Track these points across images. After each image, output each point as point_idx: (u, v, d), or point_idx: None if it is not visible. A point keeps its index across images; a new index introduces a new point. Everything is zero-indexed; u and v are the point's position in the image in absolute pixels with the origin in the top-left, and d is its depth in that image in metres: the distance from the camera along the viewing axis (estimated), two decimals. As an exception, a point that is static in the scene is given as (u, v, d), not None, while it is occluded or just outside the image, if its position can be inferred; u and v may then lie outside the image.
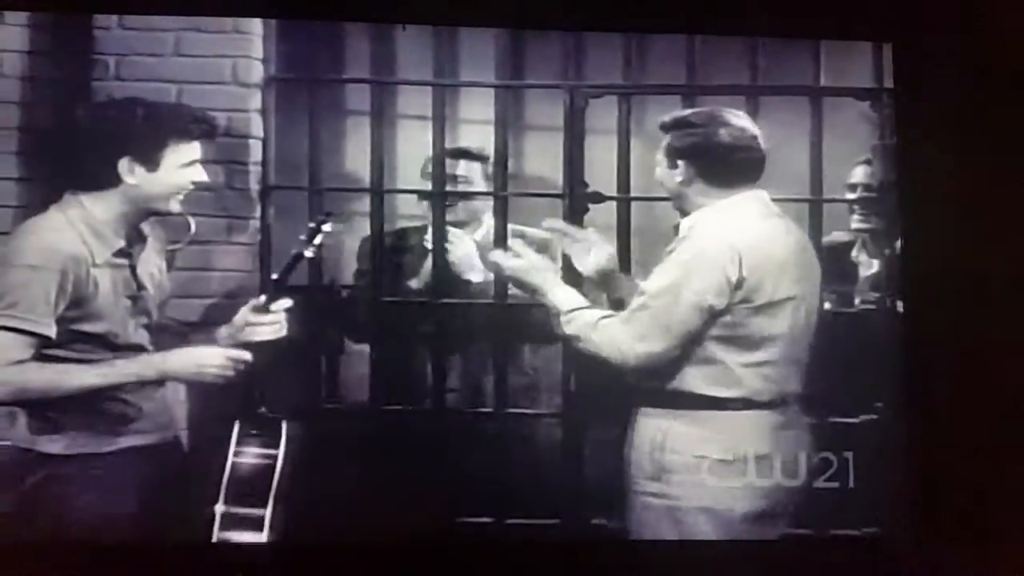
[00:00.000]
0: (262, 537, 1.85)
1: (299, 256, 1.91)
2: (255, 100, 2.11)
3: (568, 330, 1.92)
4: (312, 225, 1.93)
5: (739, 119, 1.93)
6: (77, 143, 1.91)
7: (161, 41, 2.09)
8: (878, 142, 2.12)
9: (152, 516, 1.88)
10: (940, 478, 2.01)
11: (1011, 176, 2.08)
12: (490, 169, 2.13)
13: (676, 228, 1.95)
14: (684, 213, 1.95)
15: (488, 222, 2.15)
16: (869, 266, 2.15)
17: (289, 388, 2.04)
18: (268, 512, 1.85)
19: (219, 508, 1.85)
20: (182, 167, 1.88)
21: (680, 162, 1.92)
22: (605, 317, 1.91)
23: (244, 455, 1.87)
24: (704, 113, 1.95)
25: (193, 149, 1.89)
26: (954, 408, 2.02)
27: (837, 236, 2.16)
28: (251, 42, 2.11)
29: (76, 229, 1.82)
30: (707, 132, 1.91)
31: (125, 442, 1.87)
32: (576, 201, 2.10)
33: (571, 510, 2.06)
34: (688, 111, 1.98)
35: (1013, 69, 2.09)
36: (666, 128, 1.95)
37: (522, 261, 1.97)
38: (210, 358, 1.87)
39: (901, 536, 2.01)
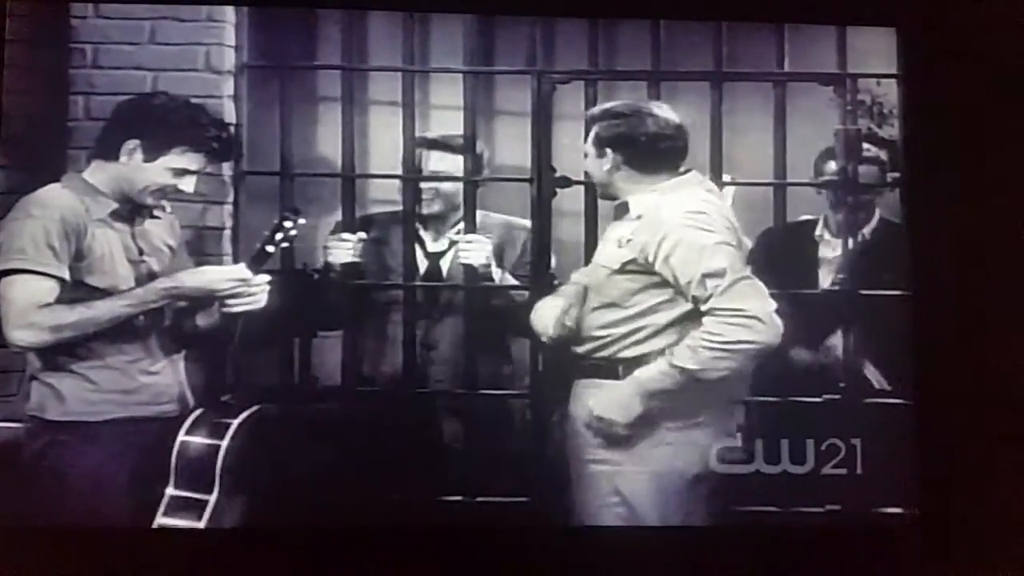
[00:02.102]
0: (200, 524, 1.90)
1: (263, 252, 1.99)
2: (228, 87, 2.15)
3: (681, 363, 1.92)
4: (275, 222, 2.01)
5: (662, 110, 2.01)
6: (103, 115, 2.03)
7: (137, 29, 2.12)
8: (841, 127, 2.15)
9: (129, 492, 1.94)
10: (945, 464, 2.03)
11: (1017, 163, 2.11)
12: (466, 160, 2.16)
13: (623, 207, 2.01)
14: (610, 199, 2.03)
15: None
16: (834, 247, 2.18)
17: (261, 371, 2.08)
18: (212, 499, 1.91)
19: (169, 490, 1.91)
20: (173, 171, 1.96)
21: (608, 150, 2.00)
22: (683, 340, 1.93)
23: (192, 441, 1.94)
24: (629, 104, 2.02)
25: (196, 160, 1.98)
26: (958, 395, 2.05)
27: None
28: (224, 30, 2.14)
29: (72, 191, 1.93)
30: (632, 122, 1.99)
31: (123, 413, 1.94)
32: (544, 186, 2.13)
33: (539, 488, 2.08)
34: (614, 103, 2.04)
35: (1019, 55, 2.11)
36: (594, 119, 2.03)
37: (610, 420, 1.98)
38: (217, 273, 1.99)
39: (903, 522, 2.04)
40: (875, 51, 2.17)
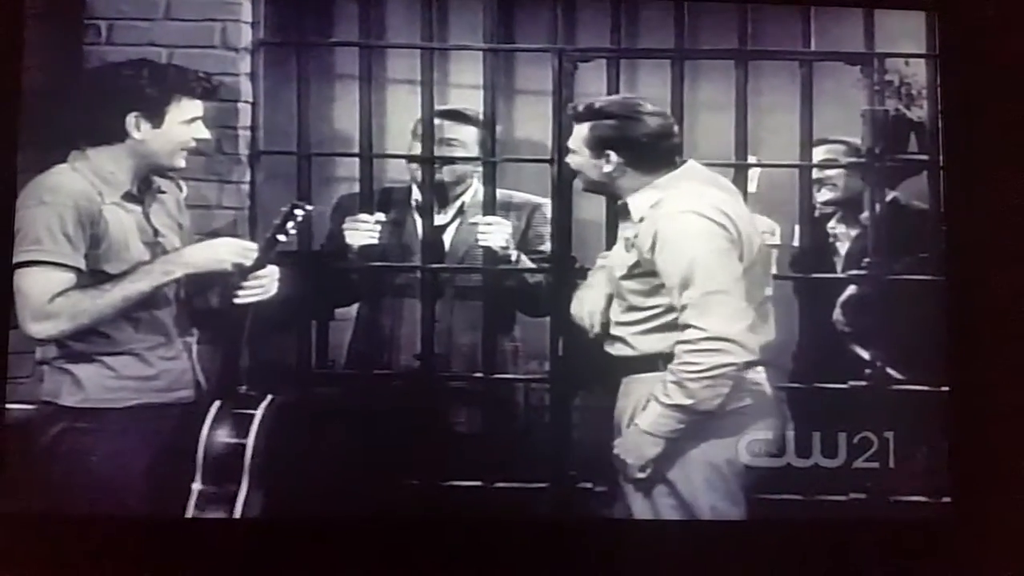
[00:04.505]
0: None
1: (273, 240, 1.97)
2: (244, 64, 2.12)
3: (675, 401, 1.89)
4: (284, 210, 1.98)
5: (655, 107, 1.98)
6: (85, 100, 1.99)
7: (152, 5, 2.09)
8: (868, 107, 2.11)
9: (150, 478, 1.92)
10: (978, 455, 2.01)
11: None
12: (481, 132, 2.12)
13: (623, 210, 1.99)
14: (612, 197, 2.02)
15: (476, 184, 2.15)
16: (847, 237, 2.16)
17: (276, 356, 2.06)
18: (243, 492, 1.89)
19: (195, 486, 1.89)
20: (184, 123, 1.96)
21: (610, 153, 1.96)
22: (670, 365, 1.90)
23: (217, 434, 1.91)
24: (618, 103, 2.00)
25: (195, 106, 1.97)
26: (991, 383, 2.03)
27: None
28: (240, 6, 2.11)
29: (83, 175, 1.91)
30: (631, 122, 1.95)
31: (141, 399, 1.93)
32: (564, 167, 2.09)
33: (558, 474, 2.06)
34: (600, 101, 2.01)
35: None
36: (580, 118, 1.99)
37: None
38: (224, 246, 1.97)
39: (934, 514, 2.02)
40: (903, 31, 2.13)
